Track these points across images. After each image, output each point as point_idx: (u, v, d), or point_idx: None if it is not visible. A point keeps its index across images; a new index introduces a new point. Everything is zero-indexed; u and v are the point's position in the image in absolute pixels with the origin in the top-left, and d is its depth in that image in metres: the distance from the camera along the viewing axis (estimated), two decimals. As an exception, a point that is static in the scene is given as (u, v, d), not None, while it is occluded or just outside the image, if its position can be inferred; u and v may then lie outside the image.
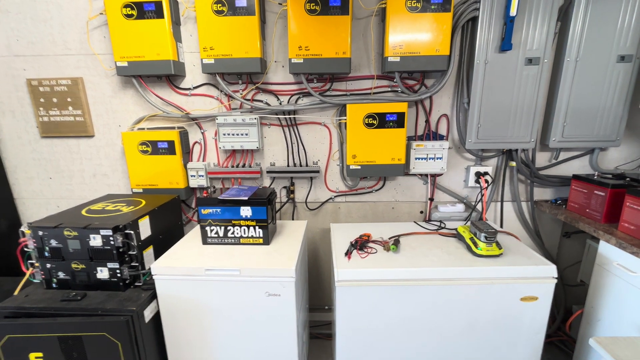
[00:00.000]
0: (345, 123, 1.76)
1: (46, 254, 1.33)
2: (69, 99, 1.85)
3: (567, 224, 1.92)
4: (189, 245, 1.51)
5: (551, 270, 1.31)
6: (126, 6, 1.62)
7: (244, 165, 1.90)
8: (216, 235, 1.50)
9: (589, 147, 1.80)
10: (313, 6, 1.56)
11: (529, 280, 1.31)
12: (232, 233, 1.49)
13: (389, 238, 1.58)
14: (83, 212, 1.48)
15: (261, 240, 1.50)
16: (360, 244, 1.49)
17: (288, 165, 1.91)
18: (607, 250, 1.47)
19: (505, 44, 1.57)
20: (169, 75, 1.78)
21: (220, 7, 1.59)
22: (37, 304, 1.27)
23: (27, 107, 1.90)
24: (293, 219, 2.00)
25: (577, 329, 1.68)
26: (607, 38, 1.59)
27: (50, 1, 1.74)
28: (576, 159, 1.85)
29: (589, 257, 1.76)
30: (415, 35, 1.58)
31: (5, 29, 1.79)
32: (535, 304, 1.33)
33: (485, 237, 1.39)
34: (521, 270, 1.31)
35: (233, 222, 1.48)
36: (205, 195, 1.50)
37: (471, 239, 1.46)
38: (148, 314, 1.32)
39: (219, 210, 1.46)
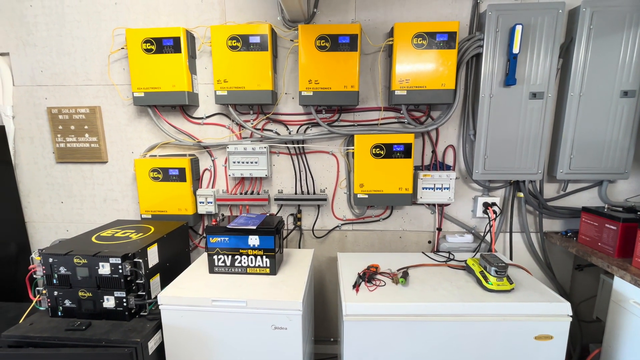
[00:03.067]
0: (353, 152, 1.80)
1: (54, 281, 1.33)
2: (86, 127, 1.92)
3: (579, 257, 1.88)
4: (196, 275, 1.51)
5: (565, 307, 1.27)
6: (146, 41, 1.71)
7: (252, 193, 1.92)
8: (223, 265, 1.50)
9: (597, 179, 1.80)
10: (323, 43, 1.64)
11: (542, 317, 1.27)
12: (240, 262, 1.49)
13: (398, 270, 1.56)
14: (93, 238, 1.50)
15: (268, 270, 1.49)
16: (369, 276, 1.47)
17: (296, 193, 1.93)
18: (623, 287, 1.43)
19: (509, 79, 1.62)
20: (183, 105, 1.85)
21: (234, 42, 1.68)
22: (41, 333, 1.25)
23: (46, 133, 1.97)
24: (300, 247, 1.99)
25: (595, 369, 1.60)
26: (609, 74, 1.63)
27: (76, 36, 1.85)
28: (585, 190, 1.84)
29: (604, 292, 1.71)
30: (421, 70, 1.63)
31: (31, 61, 1.90)
32: (550, 343, 1.28)
33: (496, 271, 1.37)
34: (534, 307, 1.28)
35: (241, 251, 1.48)
36: (214, 223, 1.51)
37: (481, 272, 1.43)
38: (152, 345, 1.30)
39: (227, 239, 1.47)
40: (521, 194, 1.81)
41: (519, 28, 1.55)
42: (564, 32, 1.68)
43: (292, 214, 1.97)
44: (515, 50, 1.58)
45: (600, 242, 1.61)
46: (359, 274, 1.50)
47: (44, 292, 1.35)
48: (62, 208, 2.06)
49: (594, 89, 1.65)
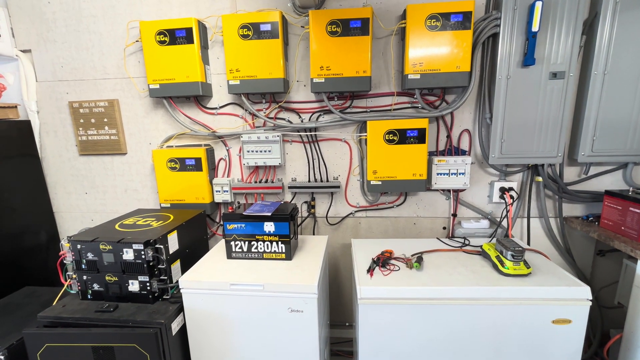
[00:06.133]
0: (366, 139, 1.79)
1: (83, 266, 1.41)
2: (105, 119, 1.99)
3: (601, 242, 1.83)
4: (215, 260, 1.56)
5: (585, 291, 1.25)
6: (159, 33, 1.73)
7: (266, 181, 1.95)
8: (240, 250, 1.54)
9: (622, 162, 1.73)
10: (334, 28, 1.62)
11: (560, 301, 1.26)
12: (256, 248, 1.53)
13: (412, 255, 1.56)
14: (116, 226, 1.56)
15: (283, 256, 1.52)
16: (383, 261, 1.48)
17: (309, 181, 1.95)
18: (647, 271, 1.39)
19: (527, 59, 1.56)
20: (197, 96, 1.88)
21: (245, 31, 1.68)
22: (73, 314, 1.34)
23: (68, 127, 2.05)
24: (314, 234, 2.02)
25: (615, 354, 1.58)
26: (636, 50, 1.55)
27: (93, 31, 1.90)
28: (608, 173, 1.78)
29: (627, 277, 1.66)
30: (435, 52, 1.60)
31: (52, 57, 1.96)
32: (568, 327, 1.27)
33: (512, 256, 1.35)
34: (552, 291, 1.26)
35: (257, 237, 1.51)
36: (230, 210, 1.55)
37: (497, 257, 1.42)
38: (175, 326, 1.36)
39: (243, 225, 1.51)
40: (540, 178, 1.77)
41: (538, 4, 1.49)
42: (588, 7, 1.60)
43: (305, 202, 1.99)
44: (535, 28, 1.52)
45: (623, 226, 1.56)
46: (373, 259, 1.51)
47: (74, 276, 1.43)
48: (86, 199, 2.15)
49: (619, 66, 1.57)
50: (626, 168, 1.74)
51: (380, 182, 1.78)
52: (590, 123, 1.64)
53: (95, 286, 1.42)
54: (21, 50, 1.97)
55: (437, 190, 1.89)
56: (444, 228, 1.94)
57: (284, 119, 1.88)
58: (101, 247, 1.37)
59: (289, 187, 1.91)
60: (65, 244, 1.42)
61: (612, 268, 1.85)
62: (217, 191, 1.93)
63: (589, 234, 1.69)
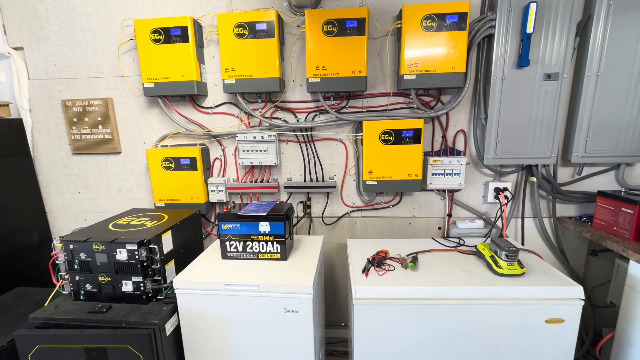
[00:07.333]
0: (362, 139, 1.79)
1: (75, 266, 1.39)
2: (99, 118, 1.97)
3: (594, 242, 1.85)
4: (209, 260, 1.55)
5: (578, 291, 1.26)
6: (154, 32, 1.72)
7: (262, 181, 1.95)
8: (235, 250, 1.53)
9: (614, 163, 1.75)
10: (330, 28, 1.62)
11: (554, 301, 1.27)
12: (251, 248, 1.52)
13: (407, 255, 1.57)
14: (110, 226, 1.55)
15: (279, 256, 1.52)
16: (378, 261, 1.48)
17: (305, 181, 1.94)
18: (638, 271, 1.40)
19: (522, 61, 1.57)
20: (192, 95, 1.87)
21: (241, 30, 1.67)
22: (65, 315, 1.32)
23: (62, 126, 2.03)
24: (309, 234, 2.02)
25: (608, 353, 1.59)
26: (628, 52, 1.57)
27: (86, 29, 1.88)
28: (601, 174, 1.80)
29: (619, 277, 1.68)
30: (431, 53, 1.60)
31: (45, 55, 1.94)
32: (561, 326, 1.28)
33: (507, 256, 1.36)
34: (545, 291, 1.27)
35: (252, 237, 1.51)
36: (225, 210, 1.54)
37: (491, 257, 1.43)
38: (169, 327, 1.35)
39: (238, 225, 1.50)
40: (534, 179, 1.78)
41: (533, 6, 1.50)
42: (582, 9, 1.62)
43: (301, 202, 1.98)
44: (529, 29, 1.53)
45: (616, 227, 1.57)
46: (368, 259, 1.51)
47: (67, 277, 1.42)
48: (79, 198, 2.13)
49: (612, 68, 1.59)
50: (619, 169, 1.76)
51: (375, 182, 1.78)
52: (583, 124, 1.66)
53: (88, 287, 1.40)
54: (13, 48, 1.94)
55: (432, 190, 1.90)
56: (439, 228, 1.95)
57: (279, 119, 1.87)
58: (94, 247, 1.35)
59: (285, 187, 1.90)
60: (57, 244, 1.41)
61: (604, 268, 1.87)
62: (212, 191, 1.92)
63: (582, 234, 1.71)
